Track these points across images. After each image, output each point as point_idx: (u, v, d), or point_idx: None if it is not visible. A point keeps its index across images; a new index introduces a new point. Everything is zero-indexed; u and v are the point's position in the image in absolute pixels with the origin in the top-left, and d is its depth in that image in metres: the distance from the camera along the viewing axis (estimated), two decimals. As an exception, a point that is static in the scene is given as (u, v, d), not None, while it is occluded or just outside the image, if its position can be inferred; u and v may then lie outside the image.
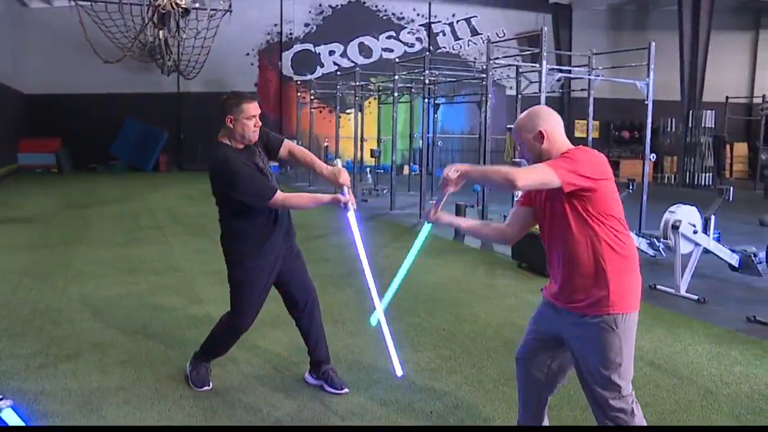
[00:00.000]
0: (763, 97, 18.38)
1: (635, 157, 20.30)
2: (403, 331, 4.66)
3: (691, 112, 17.38)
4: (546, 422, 2.92)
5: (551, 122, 2.59)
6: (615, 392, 2.49)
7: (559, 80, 10.33)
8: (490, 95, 8.88)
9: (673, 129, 19.65)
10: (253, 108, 3.32)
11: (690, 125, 17.40)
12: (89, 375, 3.83)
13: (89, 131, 19.20)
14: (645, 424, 2.58)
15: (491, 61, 8.68)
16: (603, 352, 2.46)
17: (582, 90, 11.93)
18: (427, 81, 10.80)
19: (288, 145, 3.61)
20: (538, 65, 7.90)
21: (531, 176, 2.38)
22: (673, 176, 18.89)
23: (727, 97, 19.02)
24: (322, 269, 6.80)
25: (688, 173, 17.53)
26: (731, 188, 6.40)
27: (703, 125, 17.29)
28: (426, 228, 2.88)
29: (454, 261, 7.50)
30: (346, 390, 3.64)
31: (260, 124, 3.39)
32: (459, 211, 8.76)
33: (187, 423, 3.27)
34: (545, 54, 7.63)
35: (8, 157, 17.82)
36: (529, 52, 11.83)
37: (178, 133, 20.44)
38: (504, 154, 20.93)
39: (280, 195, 3.29)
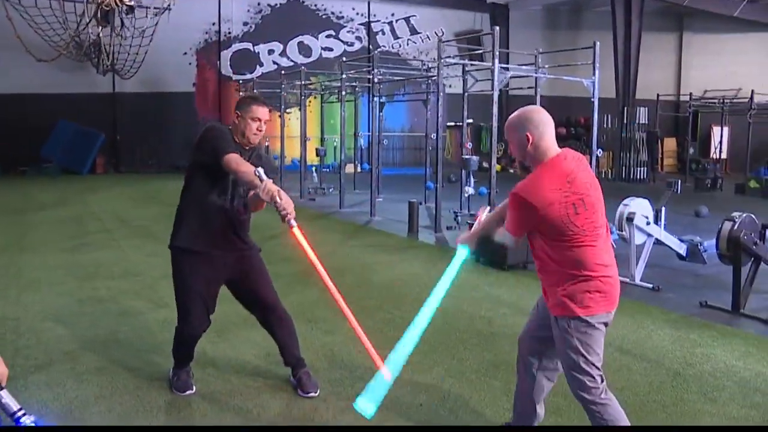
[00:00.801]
0: (690, 94, 19.33)
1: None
2: (377, 328, 4.69)
3: (625, 108, 18.10)
4: (541, 410, 3.00)
5: (540, 127, 2.64)
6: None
7: (515, 77, 10.53)
8: (441, 93, 8.99)
9: (609, 125, 20.40)
10: (259, 111, 3.41)
11: (625, 121, 18.11)
12: (64, 385, 3.69)
13: (19, 132, 18.32)
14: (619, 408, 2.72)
15: (442, 60, 8.80)
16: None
17: (521, 88, 12.25)
18: (376, 80, 10.85)
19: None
20: (489, 63, 8.06)
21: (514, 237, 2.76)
22: (609, 171, 19.62)
23: (657, 95, 19.90)
24: (285, 269, 6.75)
25: (624, 167, 18.24)
26: (679, 181, 6.75)
27: (636, 122, 18.03)
28: (462, 252, 2.97)
29: (410, 257, 7.58)
30: (313, 393, 3.59)
31: (263, 130, 3.44)
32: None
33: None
34: (497, 52, 7.80)
35: (-71, 161, 16.85)
36: (479, 51, 12.07)
37: (114, 135, 19.80)
38: (445, 151, 21.32)
39: (235, 156, 3.18)
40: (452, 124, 19.68)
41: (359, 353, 3.98)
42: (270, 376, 3.87)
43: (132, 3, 13.71)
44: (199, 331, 3.53)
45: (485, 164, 22.48)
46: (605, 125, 20.97)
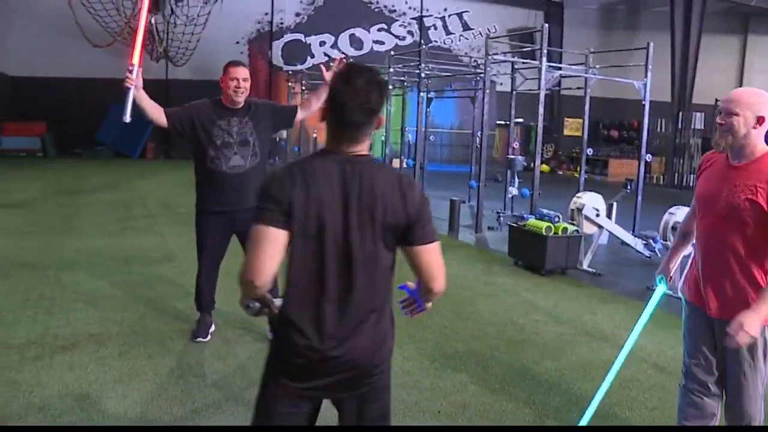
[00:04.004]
0: (752, 100, 18.53)
1: (624, 157, 20.40)
2: (404, 328, 4.59)
3: (680, 113, 17.48)
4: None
5: None
6: None
7: (560, 77, 10.28)
8: (488, 90, 8.82)
9: (662, 130, 19.77)
10: (234, 71, 3.89)
11: (679, 126, 17.50)
12: (86, 367, 3.72)
13: (75, 115, 18.86)
14: None
15: (490, 57, 8.62)
16: None
17: (572, 88, 11.93)
18: (423, 75, 10.72)
19: (301, 111, 4.24)
20: (537, 62, 7.85)
21: None
22: (661, 177, 19.02)
23: (716, 100, 19.13)
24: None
25: (676, 174, 17.64)
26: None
27: (692, 127, 17.40)
28: (660, 288, 2.84)
29: (449, 258, 7.42)
30: None
31: (243, 88, 3.89)
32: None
33: (189, 418, 3.19)
34: (545, 51, 7.59)
35: (-9, 140, 17.51)
36: (528, 49, 11.80)
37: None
38: (493, 150, 21.03)
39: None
40: (502, 122, 19.37)
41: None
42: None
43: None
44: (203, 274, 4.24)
45: (533, 165, 22.36)
46: (659, 129, 20.34)
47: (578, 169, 20.95)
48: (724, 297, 2.47)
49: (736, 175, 2.42)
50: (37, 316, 4.59)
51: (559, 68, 8.62)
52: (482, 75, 9.69)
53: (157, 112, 3.93)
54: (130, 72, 3.60)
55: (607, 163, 19.70)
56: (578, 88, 10.31)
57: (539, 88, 7.57)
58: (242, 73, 3.92)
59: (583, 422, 3.00)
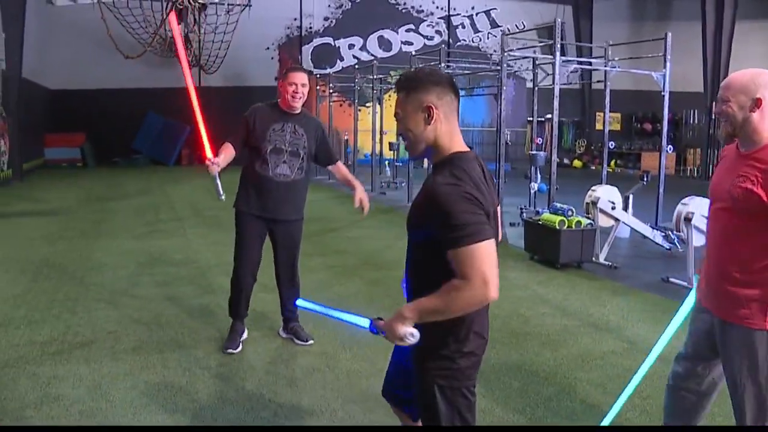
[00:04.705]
0: (790, 88, 18.00)
1: (657, 150, 20.05)
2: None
3: (714, 104, 17.11)
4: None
5: None
6: None
7: (575, 71, 10.24)
8: (505, 87, 8.84)
9: (696, 121, 19.38)
10: (293, 76, 3.96)
11: (713, 117, 17.13)
12: (101, 361, 3.93)
13: (112, 125, 19.46)
14: None
15: (506, 53, 8.65)
16: None
17: (601, 81, 11.80)
18: (443, 74, 10.77)
19: (337, 167, 4.35)
20: (551, 57, 7.86)
21: None
22: (696, 169, 18.64)
23: (752, 89, 18.67)
24: (335, 260, 6.89)
25: (711, 166, 17.28)
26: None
27: (726, 117, 17.00)
28: (691, 296, 2.61)
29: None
30: (311, 342, 4.25)
31: (300, 93, 3.97)
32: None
33: (192, 408, 3.35)
34: (558, 45, 7.59)
35: (35, 152, 18.16)
36: (546, 44, 11.74)
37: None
38: (525, 147, 20.89)
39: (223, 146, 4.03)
40: (531, 119, 19.25)
41: (382, 347, 4.01)
42: (294, 365, 3.97)
43: (205, 1, 14.24)
44: (243, 275, 4.17)
45: (566, 161, 22.12)
46: (692, 121, 19.93)
47: (611, 162, 20.79)
48: (720, 294, 2.35)
49: (741, 164, 2.28)
50: (61, 315, 4.85)
51: (574, 62, 8.56)
52: (511, 71, 9.73)
53: (230, 157, 4.01)
54: (211, 162, 3.81)
55: (640, 156, 19.39)
56: (598, 81, 10.22)
57: (553, 83, 7.56)
58: (301, 78, 3.97)
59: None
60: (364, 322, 2.02)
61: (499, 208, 2.12)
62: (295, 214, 4.16)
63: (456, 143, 1.96)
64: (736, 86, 2.26)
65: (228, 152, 3.99)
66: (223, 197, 3.90)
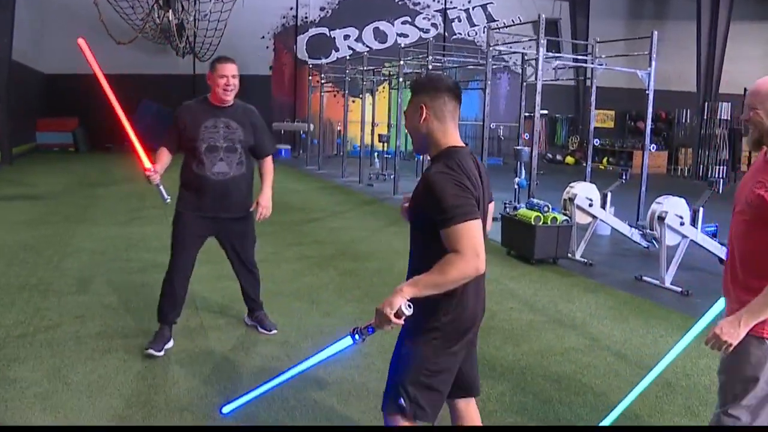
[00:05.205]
0: (783, 89, 18.01)
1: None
2: (367, 312, 4.73)
3: (706, 103, 17.13)
4: None
5: None
6: None
7: (563, 68, 10.23)
8: (498, 81, 8.86)
9: (687, 120, 19.40)
10: (223, 68, 3.78)
11: (705, 117, 17.16)
12: (64, 345, 3.97)
13: (105, 111, 19.26)
14: None
15: (491, 48, 8.66)
16: None
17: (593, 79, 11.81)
18: (430, 66, 10.81)
19: (263, 162, 4.15)
20: (536, 53, 7.88)
21: None
22: (687, 168, 18.67)
23: (745, 89, 18.63)
24: (312, 251, 6.92)
25: (702, 166, 17.32)
26: (721, 180, 6.40)
27: (719, 117, 17.03)
28: (721, 301, 2.49)
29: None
30: (275, 331, 4.27)
31: (232, 86, 3.79)
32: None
33: (145, 391, 3.39)
34: (543, 41, 7.61)
35: (27, 136, 18.14)
36: (533, 39, 11.75)
37: (193, 115, 20.62)
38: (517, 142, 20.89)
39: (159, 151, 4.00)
40: (528, 114, 19.27)
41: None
42: (278, 361, 4.01)
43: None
44: (175, 274, 4.07)
45: (558, 157, 22.13)
46: (684, 120, 19.95)
47: (603, 160, 20.80)
48: (732, 298, 2.31)
49: (763, 171, 2.21)
50: (31, 299, 4.88)
51: (559, 58, 8.59)
52: (496, 65, 9.80)
53: (168, 161, 3.99)
54: (151, 171, 3.84)
55: (632, 154, 19.41)
56: (586, 78, 10.24)
57: (536, 79, 7.59)
58: (231, 69, 3.80)
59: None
60: (346, 341, 2.20)
61: (491, 205, 2.37)
62: (239, 211, 4.02)
63: (451, 139, 2.18)
64: (764, 93, 2.19)
65: (165, 157, 3.95)
66: (168, 200, 3.89)
